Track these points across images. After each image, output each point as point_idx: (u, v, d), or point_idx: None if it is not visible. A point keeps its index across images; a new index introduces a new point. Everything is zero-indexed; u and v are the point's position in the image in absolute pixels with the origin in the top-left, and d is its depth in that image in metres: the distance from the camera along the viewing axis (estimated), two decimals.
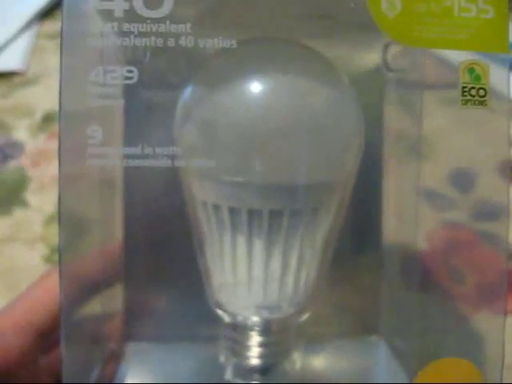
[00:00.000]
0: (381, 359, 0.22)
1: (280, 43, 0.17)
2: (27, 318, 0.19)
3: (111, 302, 0.21)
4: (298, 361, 0.21)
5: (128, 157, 0.13)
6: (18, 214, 0.35)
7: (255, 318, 0.19)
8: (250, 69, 0.16)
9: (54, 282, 0.19)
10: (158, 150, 0.13)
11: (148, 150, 0.13)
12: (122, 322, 0.21)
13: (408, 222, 0.22)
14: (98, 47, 0.13)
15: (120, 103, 0.13)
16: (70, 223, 0.16)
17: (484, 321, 0.30)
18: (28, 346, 0.19)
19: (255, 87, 0.16)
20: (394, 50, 0.18)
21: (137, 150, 0.13)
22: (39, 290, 0.20)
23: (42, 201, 0.35)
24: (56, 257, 0.33)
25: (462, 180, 0.36)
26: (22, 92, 0.40)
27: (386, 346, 0.22)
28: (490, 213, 0.34)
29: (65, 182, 0.13)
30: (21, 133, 0.38)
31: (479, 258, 0.35)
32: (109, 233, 0.21)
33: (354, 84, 0.18)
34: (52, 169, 0.36)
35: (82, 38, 0.13)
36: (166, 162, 0.13)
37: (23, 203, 0.35)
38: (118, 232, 0.21)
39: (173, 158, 0.13)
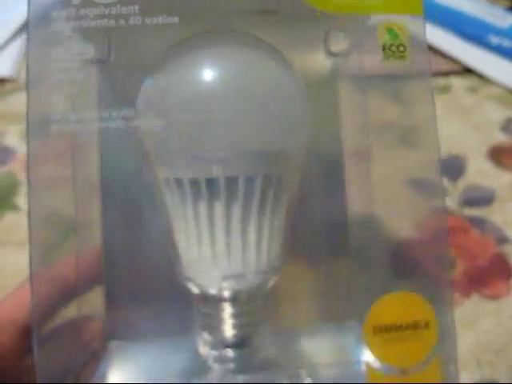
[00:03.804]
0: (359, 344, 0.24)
1: (230, 33, 0.21)
2: (10, 317, 0.21)
3: (91, 303, 0.23)
4: (267, 335, 0.22)
5: (86, 120, 0.16)
6: (10, 218, 0.37)
7: (223, 288, 0.21)
8: (201, 55, 0.19)
9: (39, 282, 0.21)
10: (113, 113, 0.16)
11: (104, 114, 0.16)
12: (103, 322, 0.23)
13: (396, 210, 0.23)
14: (61, 29, 0.16)
15: (81, 75, 0.16)
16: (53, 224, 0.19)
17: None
18: (11, 344, 0.21)
19: (206, 70, 0.19)
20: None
21: (94, 114, 0.16)
22: (23, 290, 0.21)
23: None
24: (46, 259, 0.35)
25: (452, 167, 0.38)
26: (14, 98, 0.44)
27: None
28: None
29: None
30: (12, 138, 0.41)
31: (469, 244, 0.37)
32: (88, 235, 0.23)
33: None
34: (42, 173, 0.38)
35: (45, 24, 0.16)
36: (120, 124, 0.16)
37: (14, 207, 0.38)
38: (97, 234, 0.23)
39: (127, 119, 0.16)
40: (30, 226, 0.18)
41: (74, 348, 0.22)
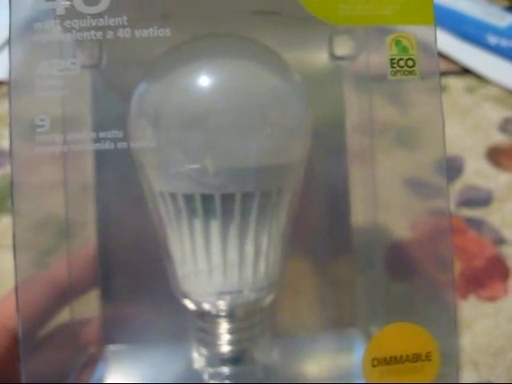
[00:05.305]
0: (359, 353, 0.23)
1: (227, 38, 0.19)
2: (2, 322, 0.20)
3: (88, 306, 0.22)
4: (267, 347, 0.21)
5: (72, 142, 0.14)
6: (7, 221, 0.36)
7: (219, 304, 0.20)
8: (197, 62, 0.18)
9: (33, 285, 0.20)
10: (101, 134, 0.14)
11: (92, 135, 0.14)
12: (100, 326, 0.22)
13: (394, 211, 0.23)
14: (44, 42, 0.14)
15: (66, 93, 0.15)
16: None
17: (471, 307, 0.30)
18: (4, 351, 0.20)
19: (202, 79, 0.17)
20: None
21: (81, 135, 0.14)
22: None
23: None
24: (40, 263, 0.34)
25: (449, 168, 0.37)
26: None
27: (364, 339, 0.23)
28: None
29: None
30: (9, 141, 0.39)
31: (466, 245, 0.36)
32: (82, 238, 0.22)
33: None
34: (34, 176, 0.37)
35: (28, 35, 0.15)
36: (109, 145, 0.15)
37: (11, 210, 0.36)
38: (92, 237, 0.22)
39: (115, 140, 0.15)
40: (15, 231, 0.17)
41: (70, 352, 0.21)
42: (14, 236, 0.18)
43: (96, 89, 0.20)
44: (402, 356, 0.17)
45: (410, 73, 0.15)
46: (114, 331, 0.23)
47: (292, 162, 0.20)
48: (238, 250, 0.19)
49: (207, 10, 0.17)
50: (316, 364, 0.23)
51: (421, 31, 0.15)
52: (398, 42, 0.15)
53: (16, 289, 0.18)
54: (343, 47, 0.20)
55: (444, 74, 0.45)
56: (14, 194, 0.17)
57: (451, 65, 0.46)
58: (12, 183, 0.17)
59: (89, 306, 0.22)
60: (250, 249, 0.19)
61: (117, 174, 0.21)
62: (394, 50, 0.15)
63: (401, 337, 0.17)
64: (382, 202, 0.23)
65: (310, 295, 0.24)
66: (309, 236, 0.24)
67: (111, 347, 0.22)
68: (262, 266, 0.20)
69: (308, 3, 0.15)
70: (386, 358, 0.17)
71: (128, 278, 0.23)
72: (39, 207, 0.19)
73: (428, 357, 0.17)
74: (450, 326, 0.19)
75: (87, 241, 0.22)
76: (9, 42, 0.14)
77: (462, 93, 0.45)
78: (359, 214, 0.24)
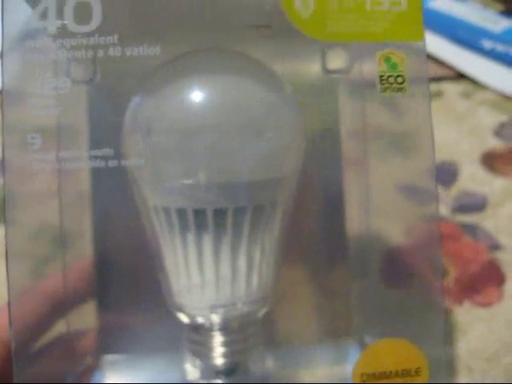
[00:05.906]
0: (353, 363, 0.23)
1: (219, 52, 0.19)
2: None
3: (84, 317, 0.22)
4: (261, 359, 0.21)
5: (64, 160, 0.14)
6: (1, 232, 0.36)
7: (213, 318, 0.20)
8: (190, 77, 0.18)
9: (28, 297, 0.20)
10: (92, 152, 0.14)
11: (82, 153, 0.14)
12: (96, 337, 0.22)
13: (388, 217, 0.23)
14: (36, 61, 0.14)
15: (57, 111, 0.15)
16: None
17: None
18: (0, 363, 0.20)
19: (195, 94, 0.17)
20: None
21: (72, 153, 0.14)
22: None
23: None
24: (40, 270, 0.34)
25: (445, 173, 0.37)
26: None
27: (359, 348, 0.23)
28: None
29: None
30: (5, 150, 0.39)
31: (461, 250, 0.36)
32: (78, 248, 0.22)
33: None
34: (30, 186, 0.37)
35: (20, 52, 0.15)
36: (99, 164, 0.15)
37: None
38: (89, 248, 0.22)
39: (106, 159, 0.15)
40: (8, 240, 0.18)
41: (66, 363, 0.21)
42: (6, 246, 0.18)
43: (91, 104, 0.20)
44: (391, 372, 0.17)
45: (400, 90, 0.15)
46: (110, 341, 0.23)
47: (285, 176, 0.20)
48: (231, 264, 0.19)
49: (199, 25, 0.17)
50: (311, 374, 0.23)
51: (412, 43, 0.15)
52: (387, 59, 0.15)
53: (9, 300, 0.18)
54: (336, 61, 0.20)
55: (439, 79, 0.45)
56: (8, 203, 0.17)
57: (447, 70, 0.46)
58: (5, 193, 0.17)
59: (85, 316, 0.22)
60: (242, 263, 0.19)
61: (113, 182, 0.21)
62: (384, 67, 0.15)
63: (390, 352, 0.17)
64: (376, 208, 0.23)
65: (305, 304, 0.24)
66: (304, 244, 0.24)
67: (107, 357, 0.22)
68: (254, 279, 0.20)
69: (296, 20, 0.15)
70: (375, 374, 0.17)
71: (124, 289, 0.23)
72: (33, 217, 0.19)
73: (417, 372, 0.17)
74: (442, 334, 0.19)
75: (83, 251, 0.22)
76: (1, 55, 0.14)
77: (457, 98, 0.45)
78: (354, 221, 0.24)
